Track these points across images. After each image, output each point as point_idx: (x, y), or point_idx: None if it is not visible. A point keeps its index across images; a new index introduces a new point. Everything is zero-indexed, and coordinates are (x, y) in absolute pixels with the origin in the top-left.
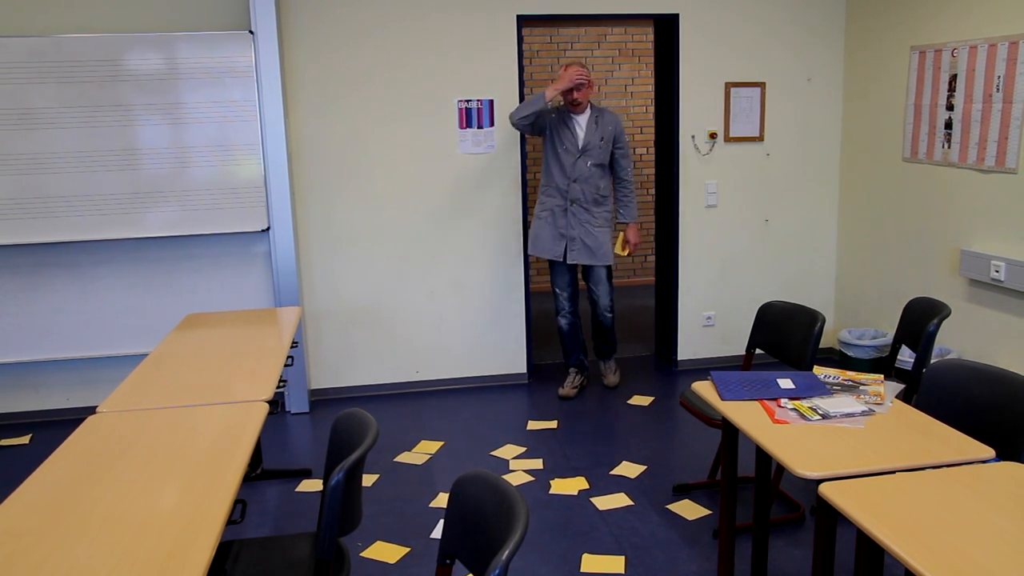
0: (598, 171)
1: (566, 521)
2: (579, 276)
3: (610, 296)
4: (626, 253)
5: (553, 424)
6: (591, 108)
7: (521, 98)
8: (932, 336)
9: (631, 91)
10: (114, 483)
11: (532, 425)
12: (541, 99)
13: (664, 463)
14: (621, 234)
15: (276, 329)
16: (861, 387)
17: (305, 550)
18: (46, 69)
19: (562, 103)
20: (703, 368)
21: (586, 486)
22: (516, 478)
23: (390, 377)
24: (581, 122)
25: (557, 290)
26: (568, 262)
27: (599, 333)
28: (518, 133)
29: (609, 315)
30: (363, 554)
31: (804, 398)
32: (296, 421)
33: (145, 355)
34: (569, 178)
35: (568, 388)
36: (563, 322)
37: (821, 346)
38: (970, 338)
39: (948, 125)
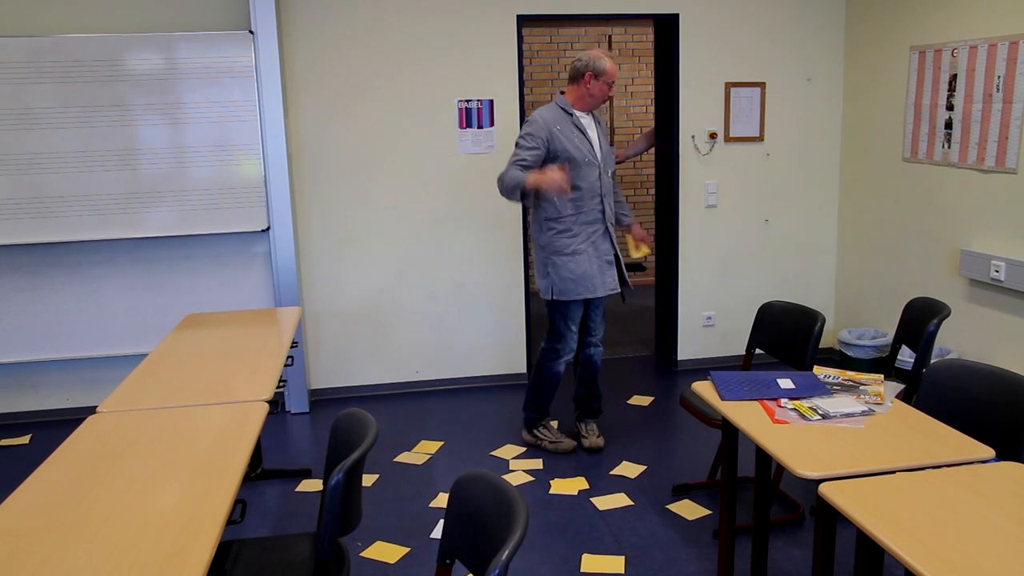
0: (613, 182)
1: (566, 521)
2: None
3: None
4: (643, 254)
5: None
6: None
7: (522, 98)
8: (932, 336)
9: (631, 91)
10: (114, 483)
11: None
12: (522, 182)
13: (664, 463)
14: (629, 237)
15: (276, 329)
16: (861, 387)
17: (305, 550)
18: (45, 69)
19: (568, 104)
20: (703, 368)
21: (586, 486)
22: (516, 478)
23: (390, 377)
24: (589, 125)
25: (573, 328)
26: (617, 291)
27: (589, 377)
28: (518, 133)
29: (601, 348)
30: (363, 554)
31: (804, 398)
32: (296, 421)
33: (145, 355)
34: (600, 195)
35: (567, 439)
36: (563, 368)
37: (821, 346)
38: (970, 338)
39: (948, 125)
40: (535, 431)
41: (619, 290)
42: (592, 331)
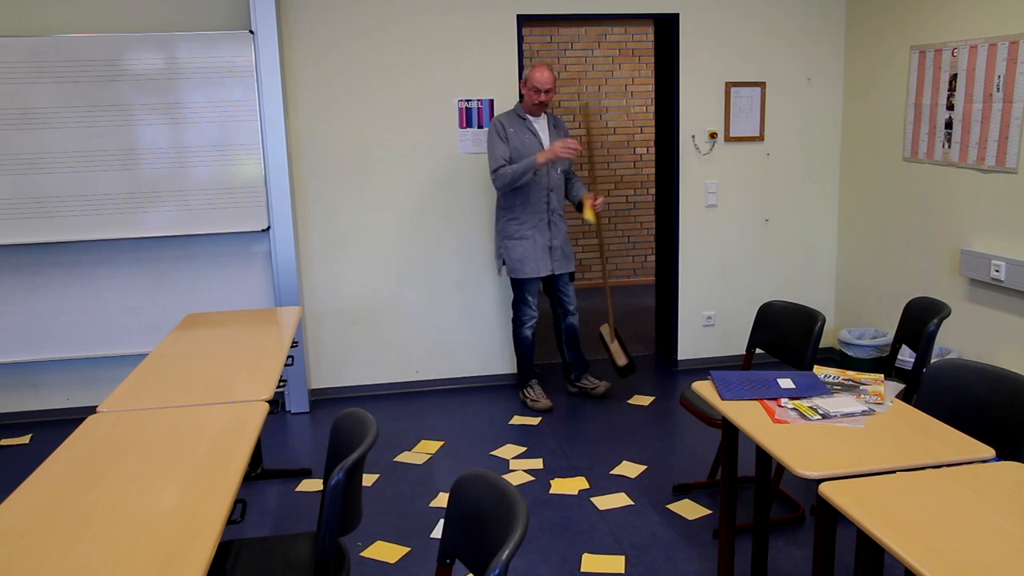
0: (563, 178)
1: (566, 521)
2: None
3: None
4: (590, 218)
5: (559, 423)
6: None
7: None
8: (932, 336)
9: (631, 91)
10: (114, 483)
11: (533, 424)
12: (532, 163)
13: (664, 463)
14: (586, 202)
15: (276, 329)
16: (861, 387)
17: (305, 550)
18: (46, 69)
19: (521, 110)
20: (703, 368)
21: (586, 486)
22: (516, 478)
23: (390, 377)
24: (542, 127)
25: (530, 298)
26: (556, 273)
27: (572, 342)
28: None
29: (577, 316)
30: (363, 554)
31: (804, 398)
32: (296, 421)
33: (145, 355)
34: (547, 188)
35: (545, 399)
36: (531, 332)
37: (821, 346)
38: (970, 338)
39: (948, 125)
40: (521, 392)
41: (551, 272)
42: (565, 303)
